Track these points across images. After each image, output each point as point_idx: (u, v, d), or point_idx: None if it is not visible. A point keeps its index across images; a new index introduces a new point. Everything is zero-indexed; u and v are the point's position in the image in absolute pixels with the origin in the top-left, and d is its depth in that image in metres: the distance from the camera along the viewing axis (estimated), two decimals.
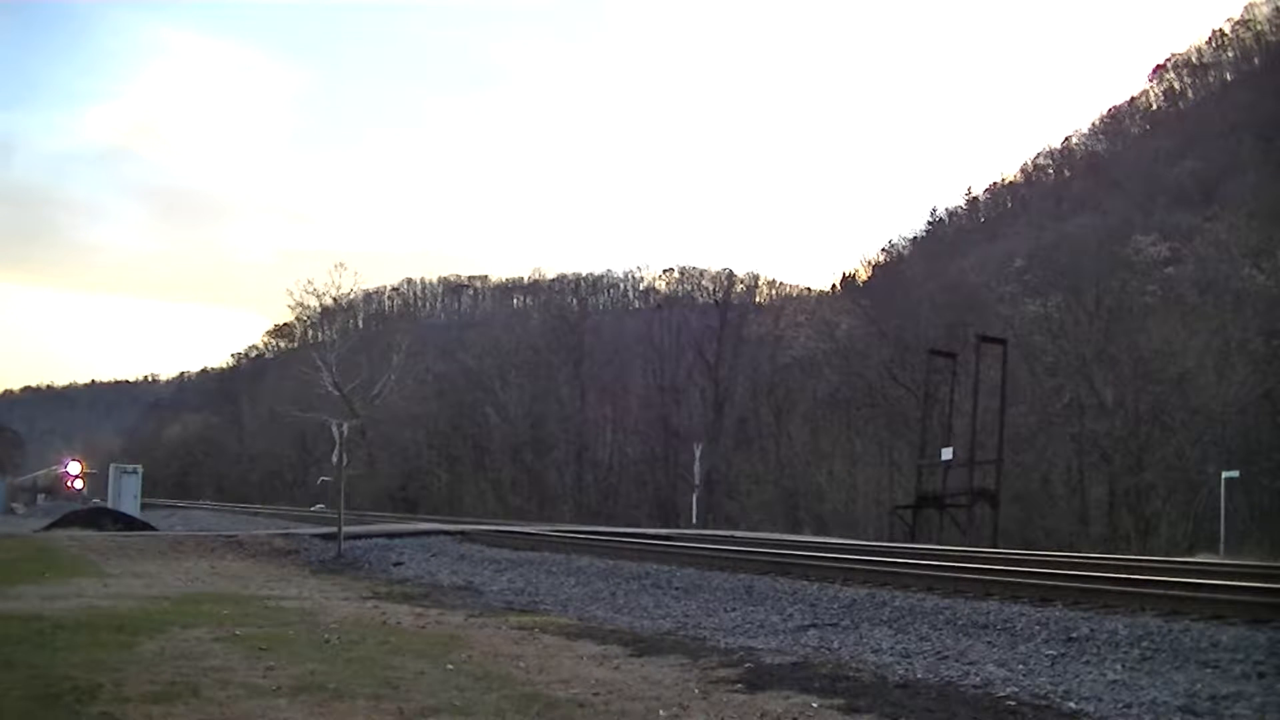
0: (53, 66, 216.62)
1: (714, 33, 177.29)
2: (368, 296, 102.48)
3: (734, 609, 11.06)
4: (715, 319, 54.66)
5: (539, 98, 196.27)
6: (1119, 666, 7.24)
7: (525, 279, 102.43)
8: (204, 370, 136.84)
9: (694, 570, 14.71)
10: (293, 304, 38.27)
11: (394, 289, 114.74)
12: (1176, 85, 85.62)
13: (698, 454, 41.21)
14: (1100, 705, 6.06)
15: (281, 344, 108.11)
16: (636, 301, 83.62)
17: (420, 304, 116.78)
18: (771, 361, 53.32)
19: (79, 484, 55.37)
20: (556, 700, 5.99)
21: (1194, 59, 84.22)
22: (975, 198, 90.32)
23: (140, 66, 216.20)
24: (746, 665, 7.35)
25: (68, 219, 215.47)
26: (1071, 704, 6.11)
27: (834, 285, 69.58)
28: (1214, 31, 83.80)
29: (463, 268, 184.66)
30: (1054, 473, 35.63)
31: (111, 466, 38.22)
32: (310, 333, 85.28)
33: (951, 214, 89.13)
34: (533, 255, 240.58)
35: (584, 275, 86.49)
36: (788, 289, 74.47)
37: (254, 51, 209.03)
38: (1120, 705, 6.03)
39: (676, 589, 13.02)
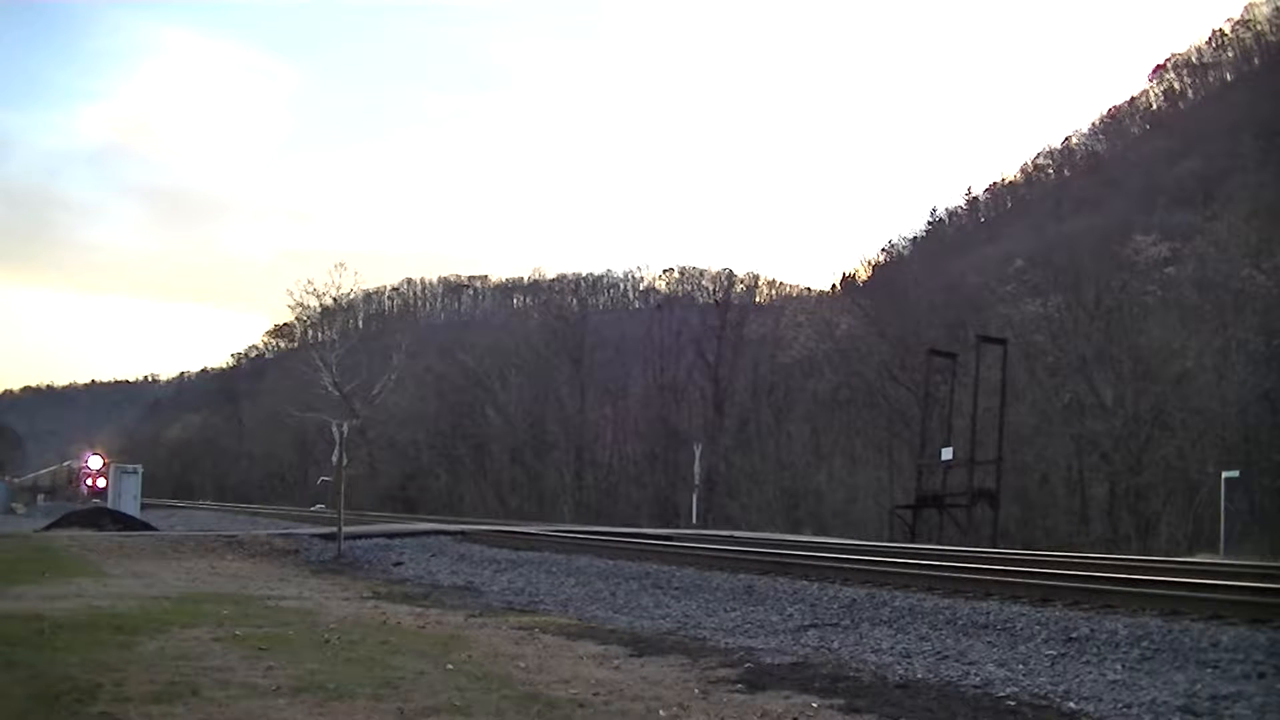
0: (50, 65, 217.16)
1: (714, 33, 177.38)
2: (368, 296, 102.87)
3: (734, 609, 11.05)
4: (715, 319, 54.61)
5: (539, 98, 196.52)
6: (1119, 666, 7.24)
7: (525, 279, 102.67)
8: (204, 370, 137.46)
9: (694, 570, 14.69)
10: (293, 304, 38.26)
11: (394, 289, 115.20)
12: (1176, 85, 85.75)
13: (698, 454, 41.21)
14: (1100, 705, 6.06)
15: (281, 344, 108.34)
16: (636, 301, 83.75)
17: (420, 304, 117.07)
18: (771, 361, 53.32)
19: (101, 482, 42.93)
20: (556, 700, 5.98)
21: (1194, 59, 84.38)
22: (975, 198, 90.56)
23: (138, 65, 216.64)
24: (746, 665, 7.35)
25: (66, 218, 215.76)
26: (1071, 704, 6.11)
27: (834, 285, 69.63)
28: (1214, 31, 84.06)
29: (463, 268, 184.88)
30: (1054, 473, 35.64)
31: (112, 467, 38.24)
32: (310, 333, 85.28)
33: (951, 214, 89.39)
34: (533, 255, 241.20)
35: (584, 275, 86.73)
36: (788, 289, 74.88)
37: (252, 50, 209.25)
38: (1120, 705, 6.03)
39: (676, 589, 13.00)
